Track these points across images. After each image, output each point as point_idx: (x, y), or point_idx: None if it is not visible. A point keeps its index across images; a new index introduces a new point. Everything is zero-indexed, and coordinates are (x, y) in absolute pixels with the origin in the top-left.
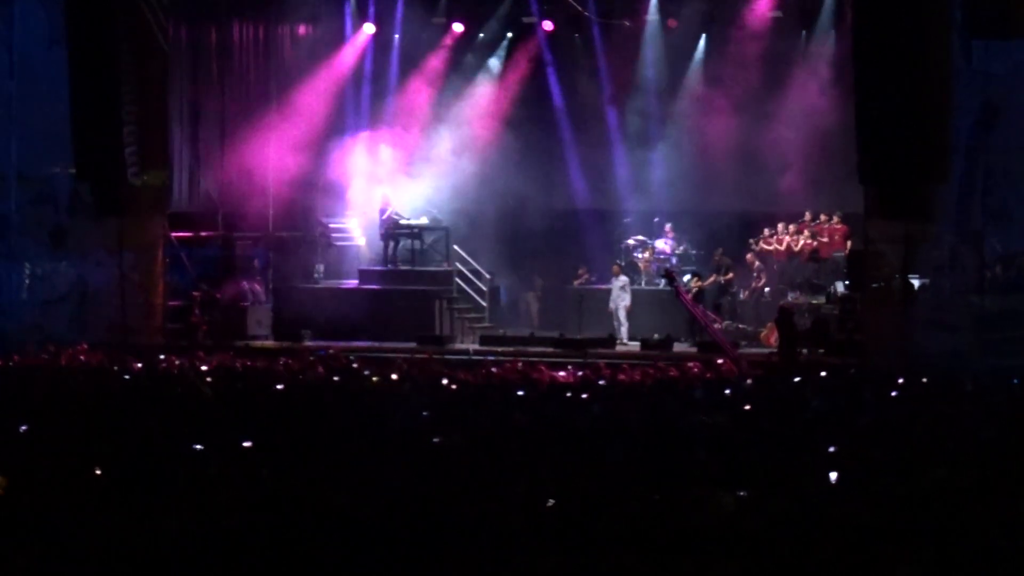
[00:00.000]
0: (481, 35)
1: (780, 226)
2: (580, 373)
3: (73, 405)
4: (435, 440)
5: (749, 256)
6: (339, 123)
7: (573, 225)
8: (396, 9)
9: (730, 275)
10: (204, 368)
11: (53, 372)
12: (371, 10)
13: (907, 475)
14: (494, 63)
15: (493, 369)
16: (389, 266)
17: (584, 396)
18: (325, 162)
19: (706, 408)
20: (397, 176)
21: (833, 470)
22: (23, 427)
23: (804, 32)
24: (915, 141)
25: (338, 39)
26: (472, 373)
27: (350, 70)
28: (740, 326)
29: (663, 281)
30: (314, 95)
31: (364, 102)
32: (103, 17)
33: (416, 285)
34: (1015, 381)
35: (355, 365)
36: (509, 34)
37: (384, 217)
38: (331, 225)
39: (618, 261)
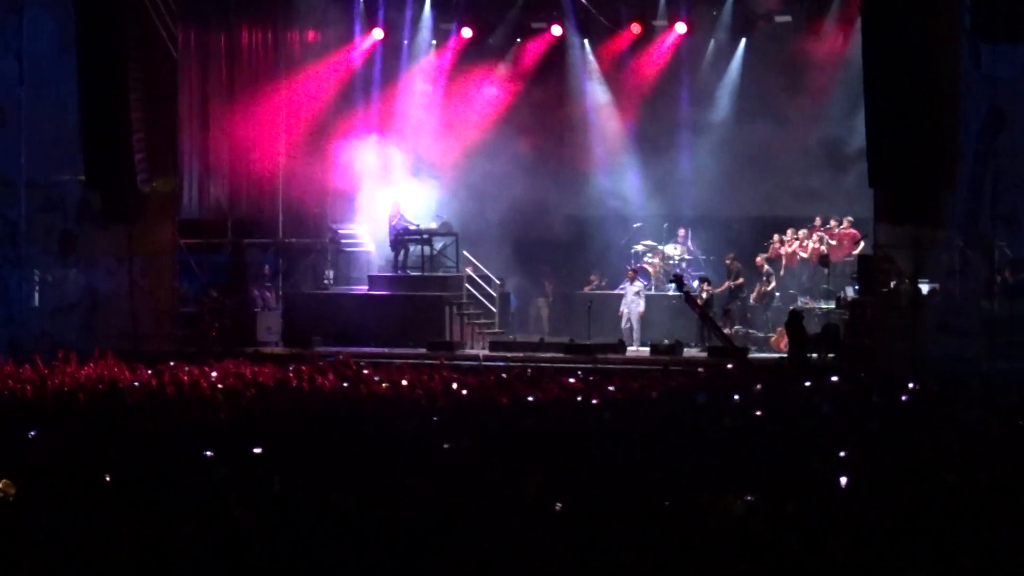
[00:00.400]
0: (490, 40)
1: (790, 231)
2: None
3: (82, 412)
4: (445, 446)
5: (759, 260)
6: (349, 128)
7: (584, 230)
8: (405, 14)
9: (740, 280)
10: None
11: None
12: (380, 15)
13: (916, 479)
14: (503, 68)
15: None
16: (399, 272)
17: (594, 402)
18: (335, 168)
19: (714, 413)
20: (407, 181)
21: (843, 474)
22: (32, 432)
23: (812, 36)
24: (924, 146)
25: (347, 44)
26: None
27: (359, 75)
28: (750, 331)
29: (672, 286)
30: (323, 100)
31: (373, 107)
32: (112, 24)
33: (426, 291)
34: None
35: (365, 372)
36: (518, 39)
37: (393, 224)
38: (341, 231)
39: (632, 266)
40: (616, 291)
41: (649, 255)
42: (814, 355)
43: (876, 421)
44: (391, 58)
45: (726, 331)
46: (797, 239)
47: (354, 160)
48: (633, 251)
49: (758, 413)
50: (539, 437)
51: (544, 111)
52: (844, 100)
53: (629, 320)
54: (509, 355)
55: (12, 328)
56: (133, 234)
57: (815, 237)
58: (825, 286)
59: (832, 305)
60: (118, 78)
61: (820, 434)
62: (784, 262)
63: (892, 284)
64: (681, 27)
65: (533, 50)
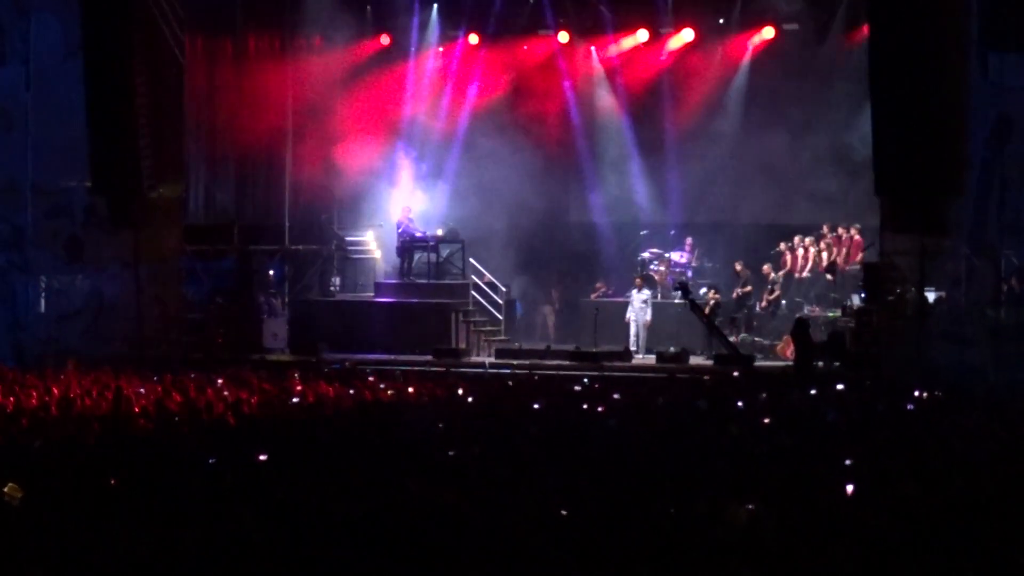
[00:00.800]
0: (497, 46)
1: (796, 239)
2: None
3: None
4: (450, 453)
5: (765, 268)
6: (355, 135)
7: (590, 238)
8: (412, 20)
9: (748, 288)
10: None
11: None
12: (387, 21)
13: (923, 487)
14: (510, 74)
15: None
16: (405, 279)
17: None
18: (341, 175)
19: (720, 420)
20: (413, 189)
21: (849, 482)
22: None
23: (820, 45)
24: (931, 154)
25: (353, 50)
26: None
27: (366, 81)
28: (756, 339)
29: (678, 293)
30: (330, 106)
31: (380, 113)
32: (119, 30)
33: (432, 298)
34: None
35: (371, 379)
36: (525, 46)
37: (400, 230)
38: (347, 238)
39: (639, 274)
40: (622, 298)
41: (655, 263)
42: (820, 363)
43: (882, 429)
44: (398, 64)
45: (732, 339)
46: (804, 247)
47: (361, 167)
48: (639, 259)
49: (765, 421)
50: (545, 444)
51: (551, 118)
52: (852, 108)
53: (636, 327)
54: (515, 362)
55: (18, 334)
56: (139, 240)
57: (822, 245)
58: (832, 294)
59: (838, 313)
60: (125, 84)
61: (826, 442)
62: (791, 270)
63: (898, 292)
64: (689, 34)
65: (540, 56)
